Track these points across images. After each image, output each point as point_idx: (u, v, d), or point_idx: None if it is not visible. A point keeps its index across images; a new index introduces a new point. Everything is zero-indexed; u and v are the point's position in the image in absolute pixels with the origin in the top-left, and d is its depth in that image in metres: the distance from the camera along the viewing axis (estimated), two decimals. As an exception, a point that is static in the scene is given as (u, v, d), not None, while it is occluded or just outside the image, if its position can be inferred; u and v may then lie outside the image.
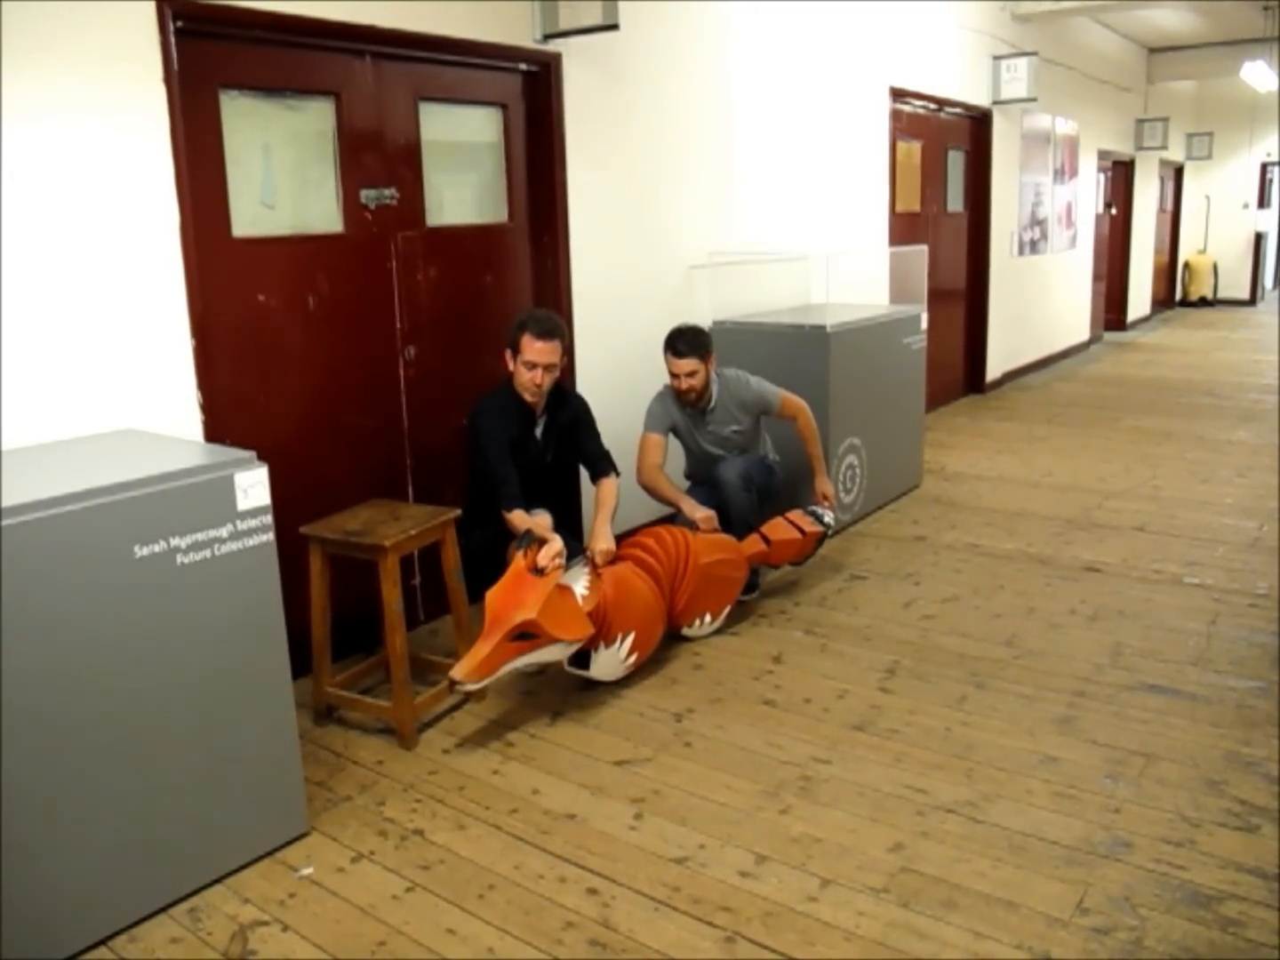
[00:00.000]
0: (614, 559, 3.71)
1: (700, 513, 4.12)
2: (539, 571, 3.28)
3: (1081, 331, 11.84)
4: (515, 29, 4.17)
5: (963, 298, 8.97)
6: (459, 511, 3.47)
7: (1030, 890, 2.49)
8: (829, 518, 4.45)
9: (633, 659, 3.58)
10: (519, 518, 3.58)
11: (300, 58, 3.58)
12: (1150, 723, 3.27)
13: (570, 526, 3.88)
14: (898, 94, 7.22)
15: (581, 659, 3.45)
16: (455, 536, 3.43)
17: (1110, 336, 12.91)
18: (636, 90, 4.82)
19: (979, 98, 8.45)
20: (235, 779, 2.64)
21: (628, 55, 4.70)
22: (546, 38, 4.27)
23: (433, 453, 4.18)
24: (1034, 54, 8.54)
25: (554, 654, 3.32)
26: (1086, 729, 3.24)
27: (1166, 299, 16.04)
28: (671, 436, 4.38)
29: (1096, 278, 12.08)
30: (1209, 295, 16.46)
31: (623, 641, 3.52)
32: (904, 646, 3.89)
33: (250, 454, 2.62)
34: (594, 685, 3.60)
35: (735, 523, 4.24)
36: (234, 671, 2.61)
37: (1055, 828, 2.73)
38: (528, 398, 3.74)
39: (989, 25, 8.45)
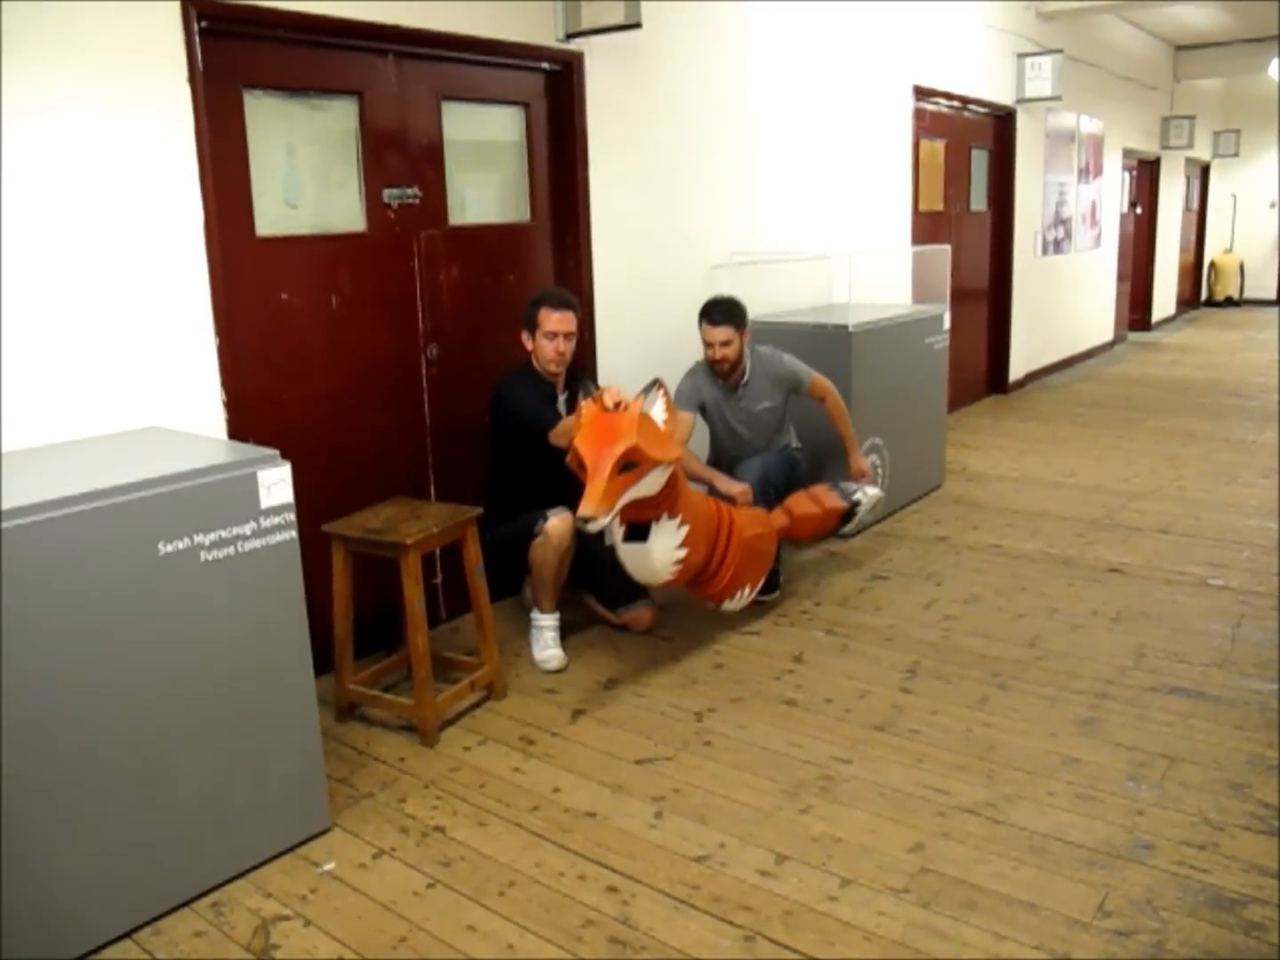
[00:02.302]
0: None
1: (737, 487, 4.14)
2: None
3: (1105, 332, 11.76)
4: (538, 28, 4.18)
5: (986, 297, 8.92)
6: (481, 510, 3.48)
7: (1051, 892, 2.48)
8: (864, 493, 4.48)
9: (683, 554, 3.55)
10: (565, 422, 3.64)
11: (324, 57, 3.60)
12: (1173, 725, 3.25)
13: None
14: (921, 93, 7.18)
15: (639, 531, 3.45)
16: (477, 535, 3.44)
17: (1134, 337, 12.82)
18: (658, 89, 4.82)
19: (1003, 96, 8.40)
20: (258, 775, 2.66)
21: (650, 54, 4.70)
22: (569, 37, 4.28)
23: (455, 451, 4.19)
24: (1059, 52, 8.48)
25: (653, 481, 3.31)
26: (1109, 731, 3.22)
27: (1192, 299, 15.93)
28: (699, 420, 4.38)
29: (1121, 277, 12.00)
30: (1235, 295, 16.32)
31: (681, 525, 3.50)
32: (925, 647, 3.88)
33: (273, 452, 2.64)
34: (614, 683, 3.60)
35: None
36: (257, 668, 2.62)
37: (1077, 829, 2.72)
38: (551, 369, 3.86)
39: (1013, 23, 8.40)
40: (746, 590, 4.00)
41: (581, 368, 4.01)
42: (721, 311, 4.25)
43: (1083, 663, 3.70)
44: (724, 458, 4.52)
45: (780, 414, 4.51)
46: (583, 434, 3.26)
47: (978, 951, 2.29)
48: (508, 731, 3.37)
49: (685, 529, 3.52)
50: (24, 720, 2.21)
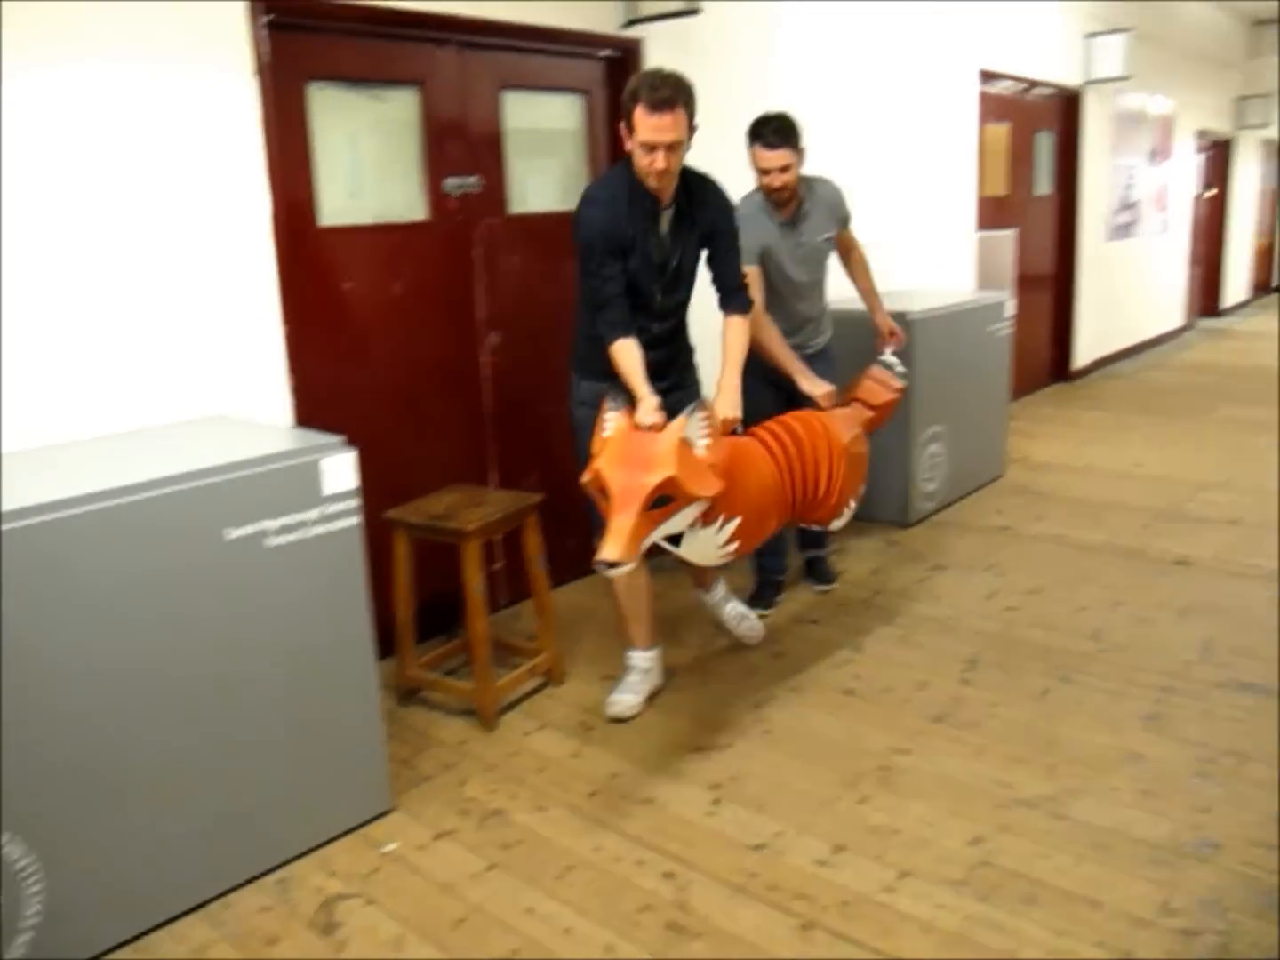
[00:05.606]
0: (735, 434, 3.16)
1: (821, 388, 3.63)
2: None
3: (1174, 318, 11.51)
4: (598, 16, 4.18)
5: (1050, 283, 8.77)
6: (541, 496, 3.48)
7: (1114, 889, 2.45)
8: (899, 366, 4.04)
9: (734, 547, 3.06)
10: (623, 350, 3.00)
11: (386, 49, 3.63)
12: (1242, 721, 3.18)
13: (683, 374, 3.40)
14: (987, 76, 7.07)
15: (672, 537, 2.89)
16: (537, 522, 3.46)
17: (1205, 323, 12.53)
18: (717, 75, 4.78)
19: (1070, 77, 8.24)
20: (323, 756, 2.72)
21: (710, 42, 4.67)
22: (629, 23, 4.27)
23: (515, 438, 4.22)
24: (1128, 30, 8.29)
25: (685, 519, 2.80)
26: (1175, 726, 3.17)
27: (1265, 284, 15.50)
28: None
29: (1191, 262, 11.73)
30: (1312, 279, 15.87)
31: (724, 526, 2.97)
32: (986, 638, 3.84)
33: (338, 439, 2.68)
34: (673, 671, 3.61)
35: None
36: (321, 651, 2.67)
37: (1141, 826, 2.68)
38: (650, 184, 3.02)
39: (1081, 2, 8.22)
40: (851, 504, 3.61)
41: (699, 172, 3.21)
42: (775, 131, 3.60)
43: (1148, 656, 3.64)
44: (775, 311, 3.92)
45: (830, 251, 4.10)
46: (609, 455, 2.74)
47: (1037, 947, 2.27)
48: (566, 717, 3.39)
49: (734, 522, 3.00)
50: (95, 701, 2.28)
